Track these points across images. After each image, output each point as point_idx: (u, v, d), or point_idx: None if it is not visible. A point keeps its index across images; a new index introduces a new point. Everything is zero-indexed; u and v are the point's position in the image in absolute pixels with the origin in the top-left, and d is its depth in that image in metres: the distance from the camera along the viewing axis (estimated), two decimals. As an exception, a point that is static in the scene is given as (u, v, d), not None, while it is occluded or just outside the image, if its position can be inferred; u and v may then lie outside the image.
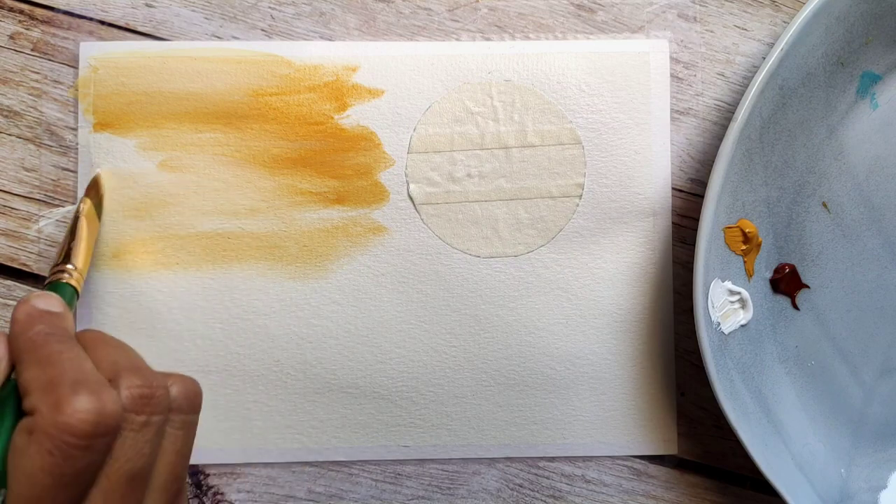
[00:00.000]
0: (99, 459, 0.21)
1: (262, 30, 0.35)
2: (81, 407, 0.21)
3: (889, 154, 0.35)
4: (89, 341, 0.24)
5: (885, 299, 0.36)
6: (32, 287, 0.34)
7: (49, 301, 0.25)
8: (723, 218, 0.32)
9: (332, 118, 0.34)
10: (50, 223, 0.34)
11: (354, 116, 0.34)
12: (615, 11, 0.35)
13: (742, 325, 0.34)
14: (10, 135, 0.34)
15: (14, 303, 0.34)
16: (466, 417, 0.35)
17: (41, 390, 0.21)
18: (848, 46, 0.33)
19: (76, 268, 0.30)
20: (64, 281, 0.29)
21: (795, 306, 0.35)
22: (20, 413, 0.22)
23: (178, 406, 0.24)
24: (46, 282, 0.29)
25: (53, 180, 0.34)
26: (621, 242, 0.35)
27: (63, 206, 0.34)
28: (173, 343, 0.34)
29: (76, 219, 0.32)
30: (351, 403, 0.35)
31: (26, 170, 0.34)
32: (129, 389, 0.22)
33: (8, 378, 0.23)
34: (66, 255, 0.30)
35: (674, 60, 0.35)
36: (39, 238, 0.34)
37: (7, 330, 0.24)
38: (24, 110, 0.34)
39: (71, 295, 0.28)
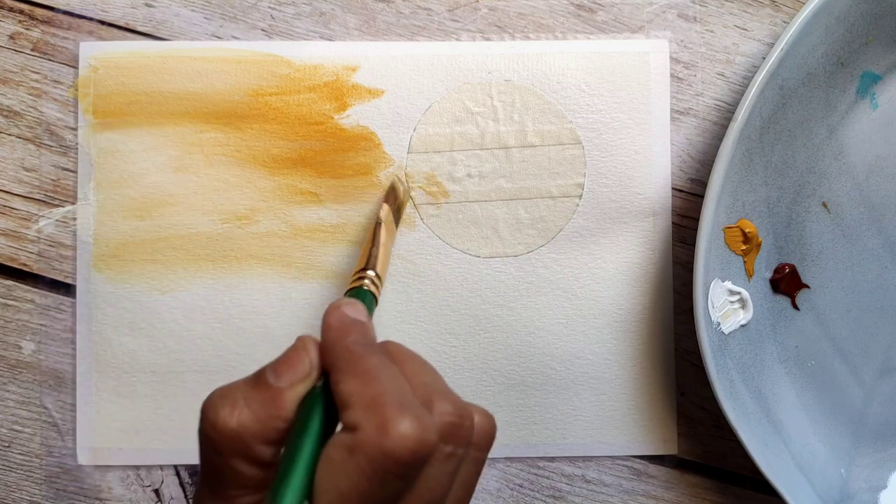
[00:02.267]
0: (406, 488, 0.21)
1: (262, 30, 0.35)
2: (406, 433, 0.20)
3: (889, 154, 0.35)
4: (397, 356, 0.24)
5: (885, 299, 0.36)
6: (32, 287, 0.34)
7: (357, 309, 0.25)
8: (723, 218, 0.32)
9: (332, 118, 0.34)
10: (50, 223, 0.34)
11: (354, 116, 0.34)
12: (615, 11, 0.35)
13: (742, 325, 0.34)
14: (10, 135, 0.34)
15: (14, 303, 0.34)
16: (466, 417, 0.35)
17: (365, 408, 0.21)
18: (848, 46, 0.33)
19: (377, 275, 0.29)
20: (366, 288, 0.28)
21: (795, 306, 0.35)
22: (327, 422, 0.21)
23: (477, 441, 0.23)
24: (349, 287, 0.28)
25: (53, 180, 0.34)
26: (621, 242, 0.35)
27: (63, 206, 0.34)
28: (173, 343, 0.34)
29: (377, 225, 0.31)
30: (351, 403, 0.34)
31: (26, 170, 0.34)
32: (441, 416, 0.21)
33: (314, 386, 0.23)
34: (367, 262, 0.29)
35: (674, 60, 0.35)
36: (39, 238, 0.34)
37: (313, 333, 0.23)
38: (24, 110, 0.34)
39: (371, 303, 0.27)
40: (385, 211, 0.32)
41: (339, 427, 0.21)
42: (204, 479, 0.22)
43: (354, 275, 0.29)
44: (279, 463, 0.21)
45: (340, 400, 0.21)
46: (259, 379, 0.22)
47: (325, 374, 0.23)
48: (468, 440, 0.22)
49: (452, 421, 0.22)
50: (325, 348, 0.23)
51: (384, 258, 0.30)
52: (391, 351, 0.24)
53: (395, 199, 0.33)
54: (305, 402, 0.22)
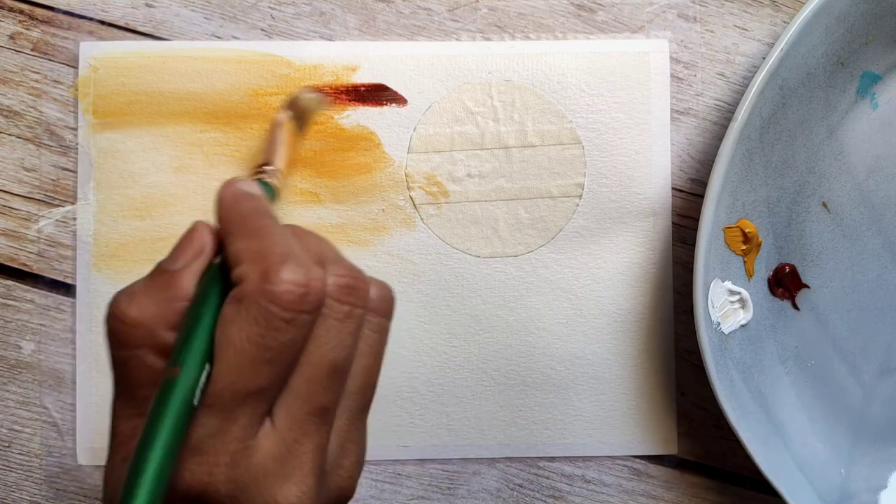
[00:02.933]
0: (300, 339, 0.21)
1: (262, 30, 0.35)
2: (288, 278, 0.20)
3: (889, 154, 0.35)
4: (296, 230, 0.24)
5: (885, 299, 0.36)
6: (32, 287, 0.34)
7: (251, 185, 0.25)
8: (723, 218, 0.32)
9: (332, 118, 0.34)
10: (50, 223, 0.34)
11: (354, 116, 0.34)
12: (615, 11, 0.35)
13: (742, 325, 0.34)
14: (10, 135, 0.34)
15: (14, 303, 0.34)
16: (466, 417, 0.35)
17: (250, 260, 0.21)
18: (848, 46, 0.33)
19: (277, 168, 0.29)
20: (264, 179, 0.28)
21: (795, 306, 0.35)
22: (225, 293, 0.22)
23: (376, 307, 0.23)
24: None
25: (53, 180, 0.34)
26: (621, 242, 0.35)
27: (63, 206, 0.34)
28: (173, 343, 0.34)
29: (275, 125, 0.31)
30: (351, 403, 0.34)
31: (26, 170, 0.34)
32: (335, 277, 0.22)
33: (211, 262, 0.23)
34: (265, 157, 0.30)
35: (674, 60, 0.35)
36: (39, 238, 0.34)
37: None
38: (24, 110, 0.34)
39: (270, 193, 0.27)
40: (284, 114, 0.32)
41: None
42: (116, 389, 0.22)
43: (252, 171, 0.29)
44: (178, 334, 0.21)
45: (231, 259, 0.22)
46: (155, 270, 0.23)
47: (222, 251, 0.23)
48: (364, 302, 0.23)
49: (347, 282, 0.22)
50: (218, 218, 0.23)
51: (285, 155, 0.30)
52: (291, 227, 0.24)
53: (296, 107, 0.32)
54: (203, 279, 0.22)
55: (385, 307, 0.24)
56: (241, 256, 0.22)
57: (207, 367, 0.20)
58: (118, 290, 0.22)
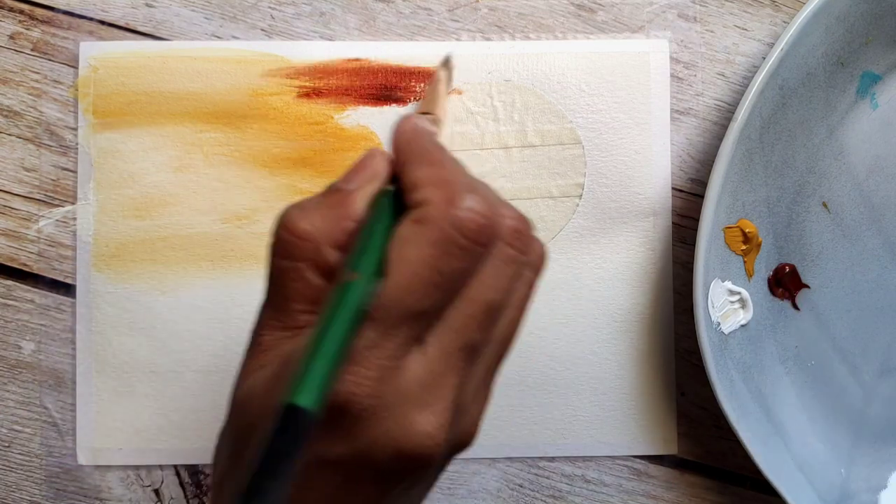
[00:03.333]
0: (469, 271, 0.21)
1: (262, 30, 0.35)
2: (473, 206, 0.20)
3: (889, 154, 0.35)
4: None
5: (885, 299, 0.36)
6: (32, 287, 0.34)
7: (427, 122, 0.25)
8: (723, 218, 0.32)
9: (332, 118, 0.34)
10: (50, 223, 0.34)
11: (354, 116, 0.34)
12: (615, 11, 0.35)
13: (742, 325, 0.34)
14: (10, 135, 0.34)
15: (14, 303, 0.34)
16: (466, 417, 0.35)
17: (435, 185, 0.21)
18: (848, 46, 0.33)
19: (437, 117, 0.30)
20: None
21: (795, 306, 0.35)
22: (397, 219, 0.22)
23: (533, 262, 0.23)
24: None
25: (53, 180, 0.34)
26: (621, 242, 0.35)
27: (63, 206, 0.34)
28: (173, 343, 0.34)
29: (434, 83, 0.33)
30: (351, 403, 0.34)
31: (26, 170, 0.34)
32: (508, 220, 0.22)
33: (385, 190, 0.23)
34: (426, 106, 0.31)
35: (674, 60, 0.35)
36: (39, 238, 0.34)
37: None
38: (24, 110, 0.34)
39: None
40: (442, 70, 0.33)
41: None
42: (268, 299, 0.22)
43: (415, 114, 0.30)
44: (354, 245, 0.21)
45: (410, 184, 0.22)
46: (329, 188, 0.23)
47: (396, 179, 0.23)
48: (528, 251, 0.23)
49: (518, 226, 0.22)
50: (397, 149, 0.23)
51: (443, 106, 0.32)
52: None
53: (448, 65, 0.33)
54: (375, 202, 0.22)
55: (540, 264, 0.24)
56: (424, 181, 0.22)
57: (379, 281, 0.20)
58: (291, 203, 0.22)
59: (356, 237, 0.21)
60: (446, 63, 0.33)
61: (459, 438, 0.22)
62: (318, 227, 0.21)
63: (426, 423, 0.20)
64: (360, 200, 0.22)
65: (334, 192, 0.22)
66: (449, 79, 0.34)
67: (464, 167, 0.23)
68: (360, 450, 0.20)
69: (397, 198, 0.22)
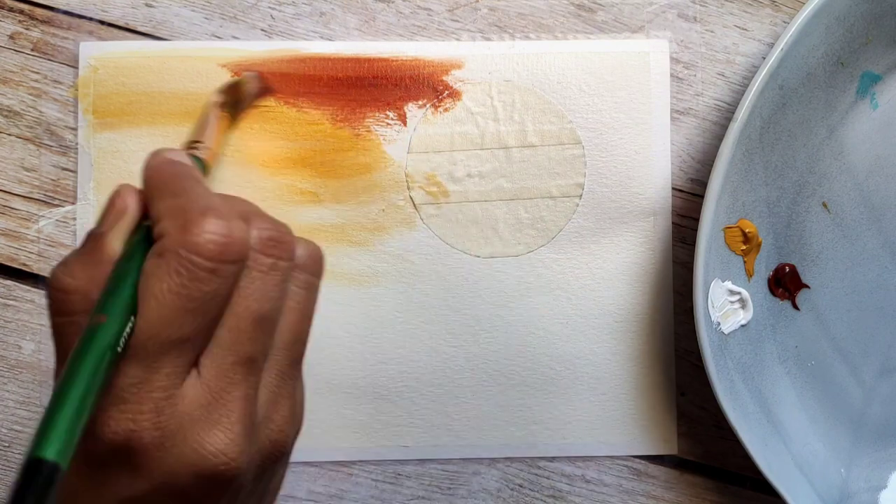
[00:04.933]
0: (225, 290, 0.21)
1: (262, 30, 0.35)
2: (209, 229, 0.21)
3: (889, 154, 0.35)
4: (221, 194, 0.24)
5: (885, 299, 0.36)
6: (32, 287, 0.34)
7: (179, 155, 0.25)
8: (723, 218, 0.32)
9: (332, 118, 0.34)
10: (50, 223, 0.34)
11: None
12: (615, 11, 0.35)
13: (742, 325, 0.34)
14: (10, 135, 0.34)
15: (14, 303, 0.34)
16: (466, 417, 0.35)
17: (171, 215, 0.21)
18: (848, 46, 0.33)
19: (208, 147, 0.29)
20: (195, 154, 0.28)
21: (795, 306, 0.35)
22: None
23: (303, 264, 0.24)
24: None
25: (53, 180, 0.34)
26: (621, 242, 0.35)
27: (63, 206, 0.34)
28: (173, 343, 0.34)
29: (209, 106, 0.32)
30: (351, 403, 0.35)
31: (26, 170, 0.34)
32: (258, 230, 0.22)
33: (140, 225, 0.23)
34: (196, 135, 0.30)
35: (674, 60, 0.35)
36: (39, 238, 0.34)
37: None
38: (24, 110, 0.34)
39: (201, 167, 0.28)
40: (216, 95, 0.32)
41: None
42: (57, 357, 0.22)
43: (184, 146, 0.29)
44: (104, 288, 0.21)
45: (153, 218, 0.22)
46: (85, 236, 0.23)
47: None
48: (289, 256, 0.23)
49: (271, 234, 0.22)
50: (144, 183, 0.24)
51: (216, 135, 0.31)
52: (218, 192, 0.24)
53: (233, 91, 0.33)
54: (130, 239, 0.23)
55: (313, 265, 0.24)
56: (163, 213, 0.22)
57: (133, 319, 0.20)
58: None
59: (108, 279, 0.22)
60: (227, 89, 0.33)
61: (267, 449, 0.23)
62: (81, 276, 0.21)
63: (216, 441, 0.21)
64: (114, 241, 0.22)
65: (89, 239, 0.23)
66: (238, 101, 0.33)
67: (208, 191, 0.23)
68: (161, 481, 0.21)
69: (151, 230, 0.22)
